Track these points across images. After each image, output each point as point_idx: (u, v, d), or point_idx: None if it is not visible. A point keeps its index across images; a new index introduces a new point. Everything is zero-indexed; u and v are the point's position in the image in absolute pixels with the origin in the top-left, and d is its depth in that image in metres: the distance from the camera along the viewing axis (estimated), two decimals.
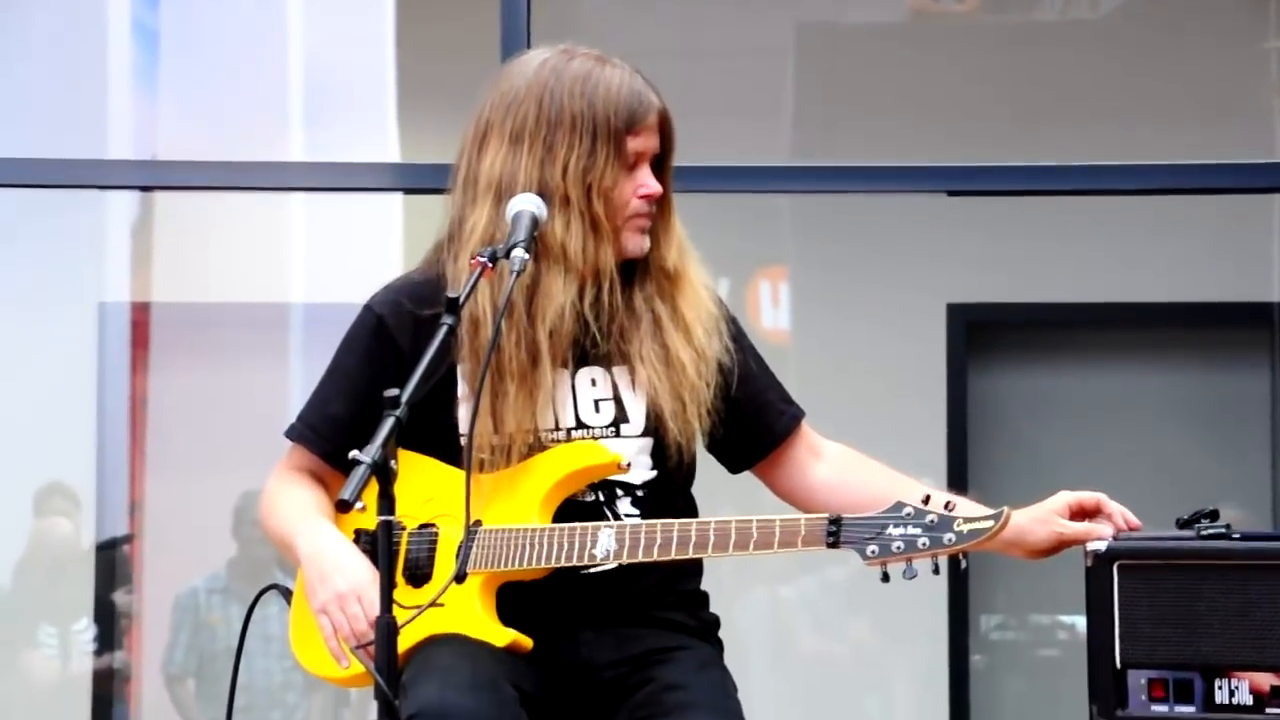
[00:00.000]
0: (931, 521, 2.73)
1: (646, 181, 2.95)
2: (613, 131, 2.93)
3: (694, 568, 3.05)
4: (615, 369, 2.96)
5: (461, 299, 2.77)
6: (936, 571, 2.74)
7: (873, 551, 2.74)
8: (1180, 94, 6.45)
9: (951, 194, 5.42)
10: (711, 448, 3.05)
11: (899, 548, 2.73)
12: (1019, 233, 6.40)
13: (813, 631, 6.69)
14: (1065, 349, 6.76)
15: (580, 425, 2.95)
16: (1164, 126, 6.32)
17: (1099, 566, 3.05)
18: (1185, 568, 3.04)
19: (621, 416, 2.95)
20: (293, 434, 3.07)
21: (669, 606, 2.99)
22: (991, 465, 6.50)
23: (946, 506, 2.74)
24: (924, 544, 2.72)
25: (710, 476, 3.09)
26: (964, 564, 2.76)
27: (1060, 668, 6.44)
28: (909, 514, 2.74)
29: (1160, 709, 3.03)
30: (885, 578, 2.76)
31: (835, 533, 2.75)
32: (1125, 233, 6.35)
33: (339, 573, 2.86)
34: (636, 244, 2.97)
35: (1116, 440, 6.57)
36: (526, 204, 2.88)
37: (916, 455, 6.24)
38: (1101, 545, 3.06)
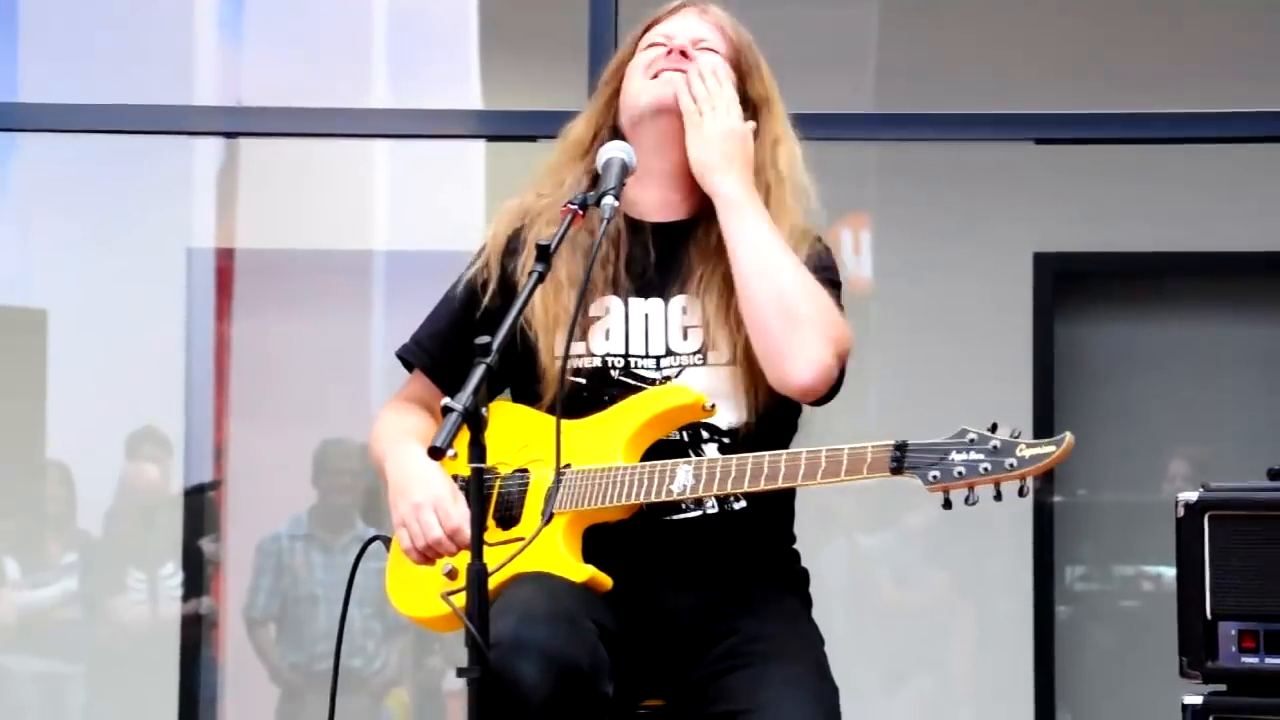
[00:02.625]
0: (995, 447, 2.70)
1: (670, 43, 3.03)
2: (636, 32, 3.09)
3: (782, 520, 3.05)
4: (706, 297, 2.97)
5: (553, 246, 2.77)
6: (998, 498, 2.71)
7: (934, 477, 2.72)
8: (1267, 41, 6.37)
9: (1039, 142, 5.37)
10: None
11: (960, 473, 2.71)
12: (1106, 181, 6.34)
13: (894, 582, 6.68)
14: (1152, 298, 6.71)
15: (669, 352, 2.98)
16: (1252, 73, 6.24)
17: (1189, 517, 3.04)
18: (1277, 518, 3.03)
19: (710, 344, 2.96)
20: (401, 351, 3.14)
21: (756, 557, 2.99)
22: (1078, 415, 6.46)
23: (1012, 434, 2.72)
24: (986, 469, 2.70)
25: None
26: (1025, 491, 2.72)
27: (1147, 619, 6.40)
28: (972, 440, 2.72)
29: (1251, 660, 3.02)
30: (947, 504, 2.74)
31: (899, 458, 2.73)
32: (1212, 181, 6.29)
33: (418, 485, 2.91)
34: (651, 90, 3.02)
35: (1204, 390, 6.52)
36: (616, 151, 2.92)
37: (1001, 405, 6.18)
38: (1193, 495, 3.04)
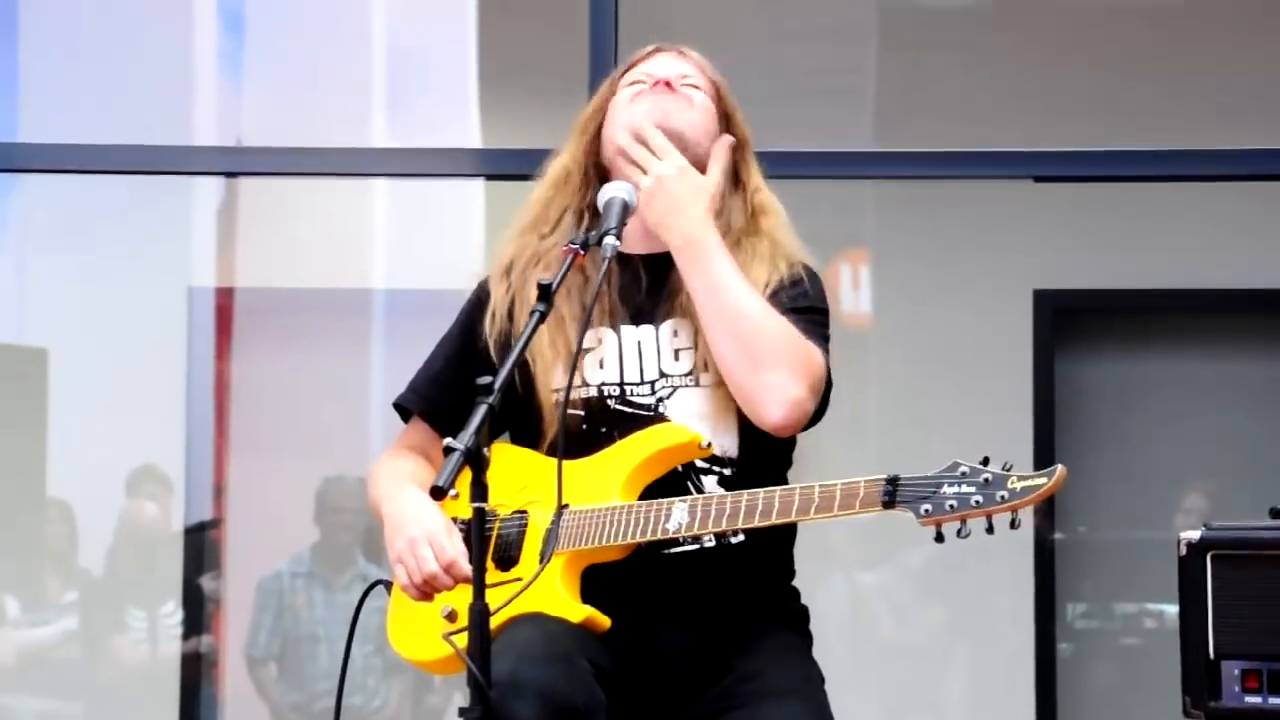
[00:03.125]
0: (986, 480, 2.71)
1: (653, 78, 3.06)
2: (615, 74, 3.11)
3: (781, 555, 3.06)
4: (694, 316, 2.98)
5: (554, 286, 2.78)
6: (990, 531, 2.71)
7: (926, 510, 2.72)
8: (1267, 79, 6.39)
9: (1038, 180, 5.38)
10: None
11: (952, 506, 2.71)
12: (1105, 218, 6.35)
13: (894, 619, 6.66)
14: (1152, 335, 6.71)
15: (662, 375, 2.99)
16: (1252, 111, 6.25)
17: (1192, 556, 3.03)
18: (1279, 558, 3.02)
19: (702, 364, 2.98)
20: (398, 400, 3.16)
21: (754, 593, 3.00)
22: (1078, 453, 6.46)
23: (1004, 467, 2.73)
24: (978, 502, 2.70)
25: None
26: (1017, 524, 2.72)
27: (1149, 656, 6.39)
28: (964, 473, 2.73)
29: (1254, 700, 3.01)
30: (939, 538, 2.74)
31: (891, 492, 2.74)
32: (1211, 218, 6.30)
33: (413, 521, 2.92)
34: (635, 115, 3.04)
35: (1205, 428, 6.52)
36: (618, 191, 2.94)
37: (1001, 441, 6.17)
38: (1195, 534, 3.03)
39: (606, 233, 2.85)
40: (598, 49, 4.77)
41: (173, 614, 6.70)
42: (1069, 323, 6.62)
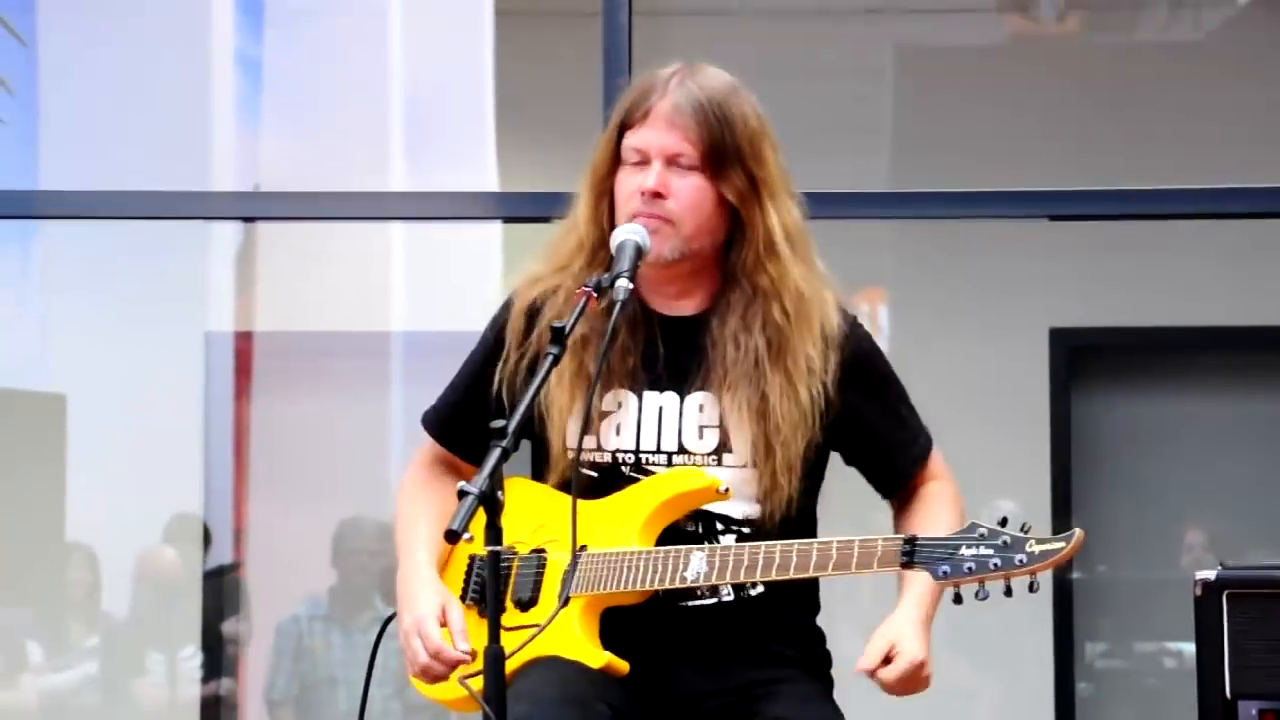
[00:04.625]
0: (1005, 542, 2.72)
1: (644, 179, 2.93)
2: (610, 127, 3.00)
3: (805, 603, 3.04)
4: (725, 396, 2.94)
5: (568, 329, 2.79)
6: (1009, 594, 2.72)
7: (944, 572, 2.73)
8: None
9: (1054, 219, 5.39)
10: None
11: (970, 568, 2.72)
12: (1121, 256, 6.35)
13: None
14: (1170, 373, 6.71)
15: (682, 450, 2.96)
16: (1268, 148, 6.25)
17: (1208, 596, 3.03)
18: None
19: (725, 445, 2.95)
20: (423, 419, 3.15)
21: (776, 640, 2.98)
22: (1096, 491, 6.45)
23: (1022, 529, 2.73)
24: (995, 565, 2.71)
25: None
26: (1036, 587, 2.73)
27: (1168, 696, 6.37)
28: (982, 534, 2.74)
29: None
30: (958, 599, 2.76)
31: (910, 553, 2.75)
32: (1229, 255, 6.29)
33: (407, 608, 2.93)
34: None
35: (1223, 466, 6.50)
36: (631, 234, 2.91)
37: (1019, 481, 6.20)
38: (1211, 574, 3.03)
39: (619, 275, 2.83)
40: (612, 95, 4.78)
41: (193, 658, 6.70)
42: (1085, 361, 6.62)
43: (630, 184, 2.95)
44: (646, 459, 2.96)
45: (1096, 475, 6.51)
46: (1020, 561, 2.70)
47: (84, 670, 6.77)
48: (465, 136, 7.05)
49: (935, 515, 2.98)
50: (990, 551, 2.72)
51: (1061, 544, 2.71)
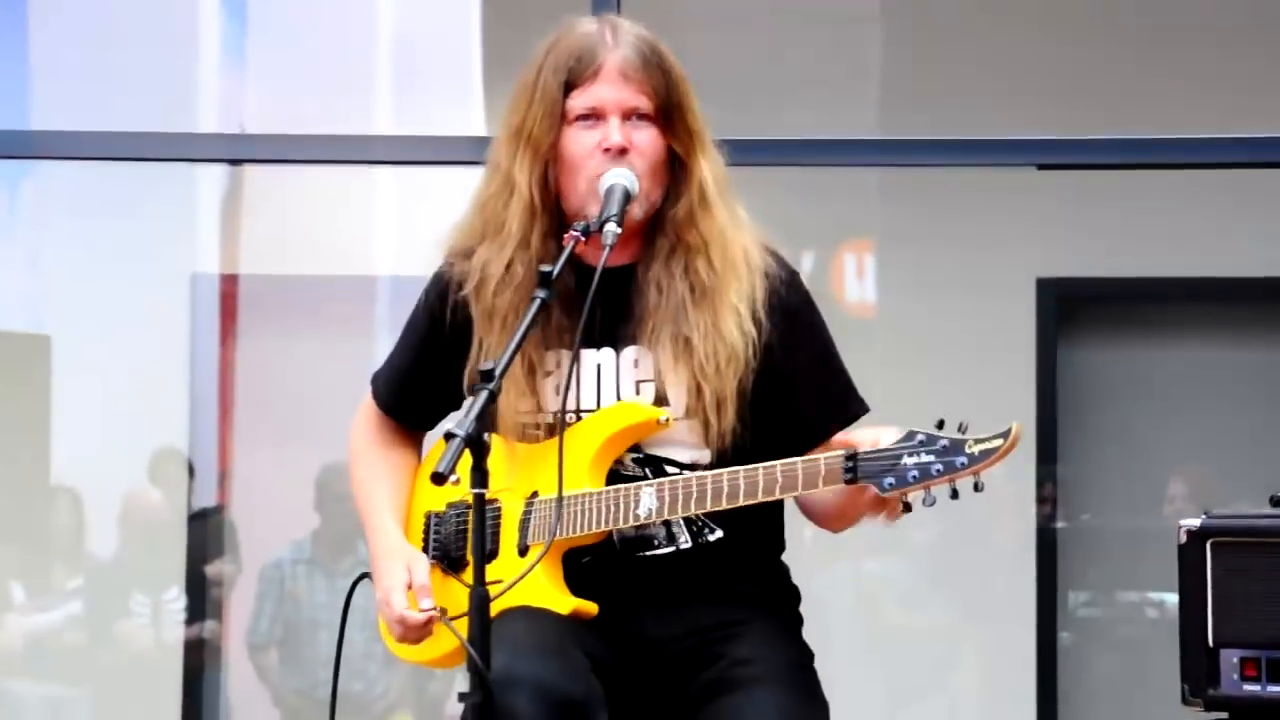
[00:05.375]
0: (944, 446, 2.72)
1: (606, 134, 2.91)
2: (548, 86, 2.94)
3: (767, 542, 3.05)
4: (657, 348, 2.93)
5: (555, 273, 2.78)
6: (955, 496, 2.73)
7: (889, 484, 2.74)
8: (1270, 66, 6.38)
9: (1041, 168, 5.38)
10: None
11: (914, 476, 2.73)
12: (1109, 206, 6.35)
13: (897, 606, 6.67)
14: (1156, 324, 6.71)
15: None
16: (1258, 98, 6.24)
17: (1191, 544, 3.04)
18: (1279, 546, 3.03)
19: (661, 398, 2.93)
20: (372, 386, 3.22)
21: (739, 581, 2.99)
22: (1081, 441, 6.46)
23: (959, 428, 2.74)
24: (938, 470, 2.72)
25: None
26: (980, 487, 2.73)
27: (1150, 645, 6.39)
28: (921, 441, 2.74)
29: (1253, 688, 3.01)
30: (907, 507, 2.77)
31: (853, 468, 2.76)
32: (1217, 206, 6.29)
33: (377, 581, 3.00)
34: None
35: (1209, 416, 6.51)
36: (619, 178, 2.90)
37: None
38: (1195, 522, 3.04)
39: (608, 219, 2.83)
40: None
41: (176, 600, 6.72)
42: (1072, 311, 6.62)
43: (586, 141, 2.92)
44: (586, 416, 2.95)
45: (1082, 425, 6.52)
46: (961, 464, 2.71)
47: (68, 611, 6.78)
48: (452, 80, 7.02)
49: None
50: (931, 458, 2.72)
51: (1000, 440, 2.71)
